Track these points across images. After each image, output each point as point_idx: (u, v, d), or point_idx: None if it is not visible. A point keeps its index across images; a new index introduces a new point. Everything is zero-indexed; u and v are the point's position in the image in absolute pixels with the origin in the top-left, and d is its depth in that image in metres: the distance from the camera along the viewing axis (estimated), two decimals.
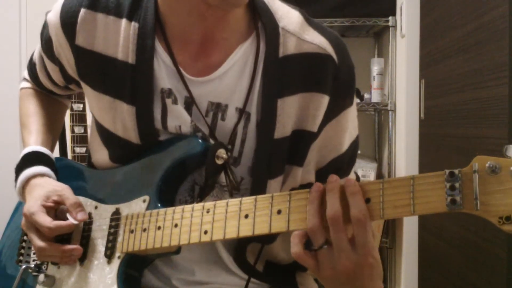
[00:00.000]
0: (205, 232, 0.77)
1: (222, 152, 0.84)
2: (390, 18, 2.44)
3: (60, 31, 0.90)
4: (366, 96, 2.61)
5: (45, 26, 0.95)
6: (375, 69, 2.53)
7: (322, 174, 0.91)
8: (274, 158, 0.86)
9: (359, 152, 2.81)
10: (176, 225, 0.80)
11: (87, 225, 0.91)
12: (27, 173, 0.94)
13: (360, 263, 0.65)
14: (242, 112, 0.85)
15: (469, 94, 1.65)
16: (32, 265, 0.93)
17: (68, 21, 0.88)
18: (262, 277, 0.93)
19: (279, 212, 0.71)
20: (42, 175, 0.94)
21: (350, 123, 0.92)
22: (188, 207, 0.80)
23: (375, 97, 2.53)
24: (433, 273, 2.04)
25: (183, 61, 0.86)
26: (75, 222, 0.86)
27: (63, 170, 0.99)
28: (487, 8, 1.52)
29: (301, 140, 0.87)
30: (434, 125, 2.00)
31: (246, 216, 0.74)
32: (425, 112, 2.11)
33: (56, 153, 1.35)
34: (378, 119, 2.81)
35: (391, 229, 2.46)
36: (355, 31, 2.72)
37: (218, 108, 0.86)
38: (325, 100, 0.87)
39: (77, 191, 0.93)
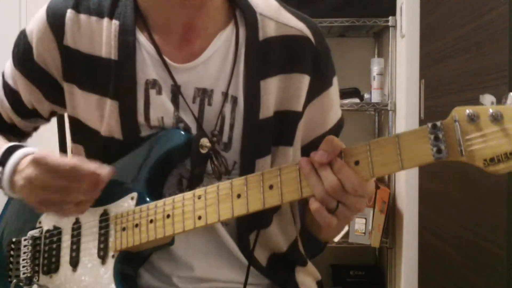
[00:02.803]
0: (199, 218, 0.79)
1: (205, 141, 0.85)
2: (390, 18, 2.44)
3: (48, 31, 0.91)
4: (366, 96, 2.60)
5: (19, 41, 0.95)
6: (375, 69, 2.53)
7: (307, 151, 0.92)
8: (261, 138, 0.89)
9: None
10: (168, 216, 0.81)
11: (76, 230, 0.90)
12: (16, 156, 0.85)
13: (368, 199, 0.75)
14: (227, 95, 0.88)
15: (469, 94, 1.65)
16: (23, 279, 0.92)
17: (57, 22, 0.90)
18: (264, 271, 0.93)
19: (271, 187, 0.74)
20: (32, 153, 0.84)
21: (333, 102, 0.97)
22: (178, 196, 0.81)
23: (375, 97, 2.53)
24: (433, 273, 2.04)
25: (167, 50, 0.89)
26: (100, 171, 0.78)
27: None
28: (487, 8, 1.52)
29: (287, 121, 0.91)
30: None
31: (239, 196, 0.76)
32: (425, 112, 2.11)
33: (55, 150, 1.34)
34: (378, 119, 2.81)
35: (391, 229, 2.46)
36: (355, 31, 2.72)
37: (204, 94, 0.89)
38: (305, 80, 0.91)
39: None
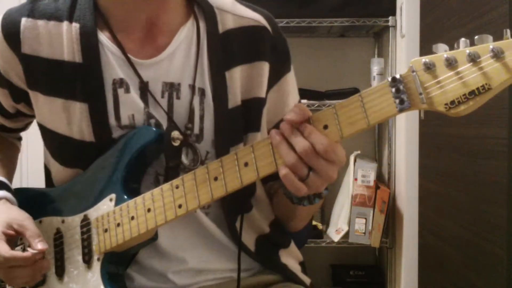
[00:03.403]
0: (180, 206, 0.79)
1: (176, 134, 0.87)
2: (390, 18, 2.44)
3: (4, 44, 0.91)
4: None
5: None
6: (375, 69, 2.53)
7: None
8: (232, 127, 0.91)
9: (359, 152, 2.79)
10: (149, 210, 0.81)
11: (58, 239, 0.91)
12: None
13: (340, 167, 0.74)
14: (194, 88, 0.90)
15: None
16: None
17: (11, 32, 0.90)
18: (253, 255, 0.95)
19: (246, 164, 0.76)
20: (5, 199, 0.94)
21: (291, 88, 1.01)
22: (156, 190, 0.82)
23: None
24: (433, 273, 2.04)
25: (131, 48, 0.90)
26: (34, 251, 0.85)
27: (20, 198, 0.97)
28: (487, 8, 1.52)
29: (253, 107, 0.94)
30: (434, 125, 2.00)
31: (216, 179, 0.77)
32: (425, 112, 2.11)
33: None
34: None
35: (391, 229, 2.45)
36: (355, 31, 2.72)
37: (172, 88, 0.90)
38: (266, 67, 0.94)
39: (38, 213, 0.93)
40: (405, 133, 2.28)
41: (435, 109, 0.66)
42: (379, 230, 2.37)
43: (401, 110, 0.67)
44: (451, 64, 0.64)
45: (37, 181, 1.06)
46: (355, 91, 2.60)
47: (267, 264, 0.98)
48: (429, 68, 0.65)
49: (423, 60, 0.65)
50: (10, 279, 0.87)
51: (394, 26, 2.44)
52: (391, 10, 2.45)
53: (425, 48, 2.15)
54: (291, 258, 1.03)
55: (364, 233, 2.38)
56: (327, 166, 0.72)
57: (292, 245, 1.05)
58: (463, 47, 0.66)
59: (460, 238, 1.73)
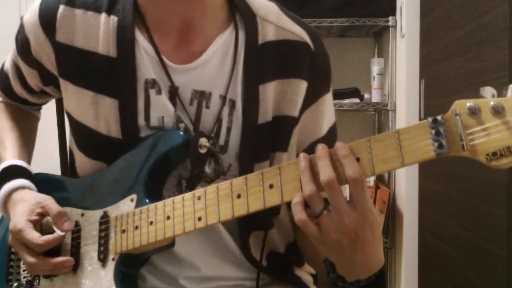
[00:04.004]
0: (199, 219, 0.77)
1: (204, 141, 0.85)
2: (390, 18, 2.44)
3: (39, 29, 0.90)
4: (366, 96, 2.60)
5: (20, 29, 0.95)
6: (375, 69, 2.53)
7: None
8: (259, 143, 0.88)
9: None
10: (168, 217, 0.80)
11: (76, 233, 0.90)
12: (7, 187, 0.93)
13: (361, 222, 0.67)
14: (225, 99, 0.87)
15: (469, 94, 1.65)
16: (24, 282, 0.92)
17: (48, 19, 0.89)
18: (266, 271, 0.94)
19: (271, 186, 0.72)
20: (23, 187, 0.93)
21: (327, 109, 0.96)
22: (178, 197, 0.80)
23: (375, 97, 2.53)
24: (433, 273, 2.04)
25: (165, 50, 0.88)
26: (62, 234, 0.86)
27: (42, 185, 0.97)
28: (487, 8, 1.52)
29: (283, 126, 0.90)
30: None
31: (239, 196, 0.74)
32: (425, 112, 2.11)
33: (55, 153, 1.34)
34: (378, 119, 2.81)
35: (391, 229, 2.46)
36: (355, 31, 2.72)
37: (202, 96, 0.88)
38: (303, 85, 0.90)
39: (59, 203, 0.91)
40: None
41: (475, 158, 0.61)
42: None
43: (438, 155, 0.62)
44: (498, 112, 0.60)
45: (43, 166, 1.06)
46: (355, 91, 2.60)
47: (279, 277, 0.96)
48: (474, 112, 0.61)
49: (468, 104, 0.61)
50: (34, 266, 0.87)
51: (394, 26, 2.44)
52: (391, 10, 2.45)
53: (425, 48, 2.15)
54: (304, 272, 1.02)
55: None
56: (345, 206, 0.66)
57: (306, 265, 1.03)
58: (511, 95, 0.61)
59: (460, 238, 1.74)
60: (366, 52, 2.78)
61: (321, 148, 0.68)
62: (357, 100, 2.57)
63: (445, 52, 1.88)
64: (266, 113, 0.88)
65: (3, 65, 1.06)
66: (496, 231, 1.45)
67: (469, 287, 1.66)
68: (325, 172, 0.67)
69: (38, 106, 1.12)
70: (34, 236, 0.85)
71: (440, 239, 1.93)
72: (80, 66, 0.88)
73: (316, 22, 2.41)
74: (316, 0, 2.44)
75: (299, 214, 0.68)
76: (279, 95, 0.89)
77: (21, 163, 0.98)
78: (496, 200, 1.45)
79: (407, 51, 2.26)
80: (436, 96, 1.99)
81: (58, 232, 0.86)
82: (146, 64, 0.87)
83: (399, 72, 2.43)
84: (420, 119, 2.18)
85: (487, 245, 1.51)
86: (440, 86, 1.94)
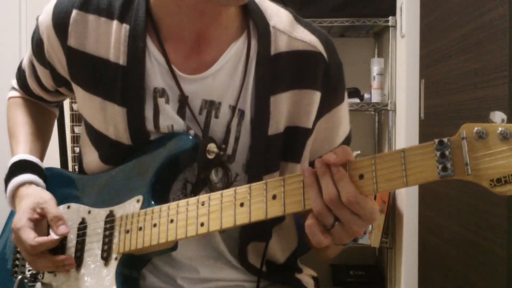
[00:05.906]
0: (202, 225, 0.78)
1: (212, 147, 0.85)
2: (390, 18, 2.45)
3: (52, 32, 0.90)
4: (366, 96, 2.61)
5: (36, 29, 0.95)
6: (375, 69, 2.53)
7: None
8: (269, 154, 0.87)
9: (359, 152, 2.79)
10: (172, 221, 0.80)
11: (82, 230, 0.90)
12: (15, 182, 0.94)
13: (368, 224, 0.70)
14: (235, 109, 0.87)
15: (469, 94, 1.65)
16: (28, 275, 0.93)
17: (60, 22, 0.89)
18: (266, 277, 0.94)
19: (274, 197, 0.72)
20: (30, 182, 0.94)
21: (343, 118, 0.95)
22: (182, 202, 0.80)
23: (375, 97, 2.53)
24: (433, 273, 2.04)
25: (176, 59, 0.87)
26: (56, 237, 0.86)
27: (52, 179, 0.98)
28: (487, 8, 1.52)
29: (296, 137, 0.89)
30: (434, 125, 2.00)
31: (242, 205, 0.75)
32: (425, 112, 2.11)
33: (56, 153, 1.35)
34: (378, 119, 2.81)
35: (391, 229, 2.46)
36: (355, 31, 2.72)
37: (211, 106, 0.87)
38: (316, 96, 0.89)
39: (68, 198, 0.93)
40: (405, 133, 2.28)
41: (479, 183, 0.61)
42: (379, 230, 2.37)
43: (442, 177, 0.62)
44: (505, 138, 0.59)
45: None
46: (355, 91, 2.60)
47: (278, 281, 0.97)
48: (481, 137, 0.60)
49: (476, 128, 0.60)
50: (34, 263, 0.89)
51: (394, 26, 2.44)
52: (391, 10, 2.45)
53: (425, 48, 2.15)
54: (305, 275, 1.02)
55: (364, 233, 2.38)
56: (352, 218, 0.68)
57: (305, 268, 1.03)
58: None
59: (460, 238, 1.74)
60: (366, 52, 2.78)
61: (319, 166, 0.69)
62: (357, 100, 2.57)
63: (445, 52, 1.88)
64: (277, 124, 0.87)
65: (21, 62, 1.07)
66: (496, 230, 1.45)
67: (469, 287, 1.66)
68: (327, 190, 0.68)
69: (55, 103, 1.12)
70: (29, 236, 0.85)
71: (440, 238, 1.93)
72: (89, 71, 0.88)
73: (316, 22, 2.41)
74: (316, 0, 2.44)
75: (317, 236, 0.70)
76: (293, 106, 0.88)
77: (32, 157, 0.98)
78: (496, 200, 1.45)
79: (407, 51, 2.26)
80: (436, 96, 1.99)
81: (53, 236, 0.87)
82: (156, 73, 0.86)
83: (399, 72, 2.43)
84: (420, 119, 2.18)
85: (487, 244, 1.51)
86: (440, 86, 1.94)
